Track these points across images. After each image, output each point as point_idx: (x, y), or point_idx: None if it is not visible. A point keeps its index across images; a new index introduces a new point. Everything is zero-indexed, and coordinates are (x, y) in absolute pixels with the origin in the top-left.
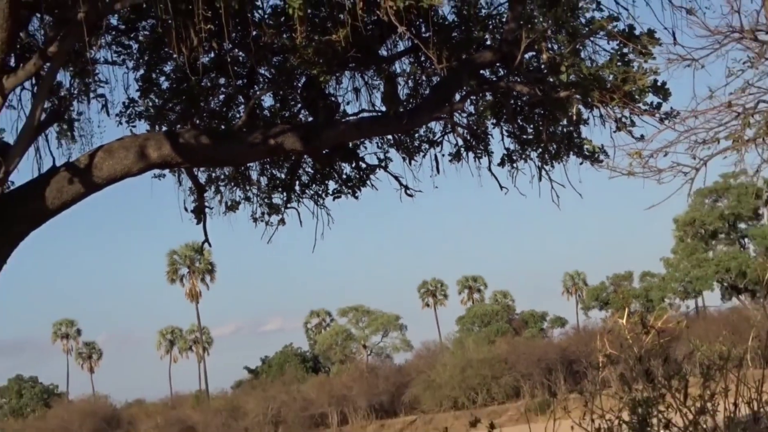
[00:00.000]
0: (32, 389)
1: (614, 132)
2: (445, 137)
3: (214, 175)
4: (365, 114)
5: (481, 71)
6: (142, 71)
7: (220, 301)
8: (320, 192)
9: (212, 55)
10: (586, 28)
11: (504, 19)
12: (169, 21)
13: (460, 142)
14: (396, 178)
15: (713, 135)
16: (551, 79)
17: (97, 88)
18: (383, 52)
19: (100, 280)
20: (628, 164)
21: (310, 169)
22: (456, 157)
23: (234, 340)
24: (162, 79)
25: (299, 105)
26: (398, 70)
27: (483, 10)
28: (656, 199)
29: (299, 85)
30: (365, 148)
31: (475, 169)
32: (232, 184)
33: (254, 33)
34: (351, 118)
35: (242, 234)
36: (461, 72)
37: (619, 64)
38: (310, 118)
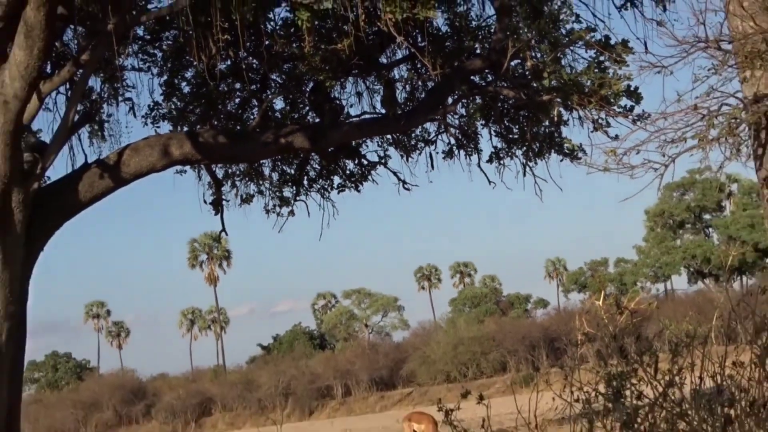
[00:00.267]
0: (66, 364)
1: (591, 132)
2: (439, 137)
3: (230, 170)
4: (367, 116)
5: (472, 77)
6: (165, 77)
7: (236, 285)
8: (326, 186)
9: (229, 62)
10: (566, 38)
11: (492, 30)
12: (190, 32)
13: (453, 141)
14: (395, 173)
15: (681, 135)
16: (535, 85)
17: (124, 93)
18: (383, 59)
19: (128, 265)
20: (604, 161)
21: (317, 166)
22: (449, 154)
23: (248, 319)
24: (183, 84)
25: (307, 108)
26: (397, 76)
27: (473, 22)
28: (629, 193)
29: (307, 89)
30: (367, 146)
31: (466, 166)
32: (247, 179)
33: (267, 43)
34: (354, 119)
35: (256, 224)
36: (453, 78)
37: (596, 70)
38: (317, 120)
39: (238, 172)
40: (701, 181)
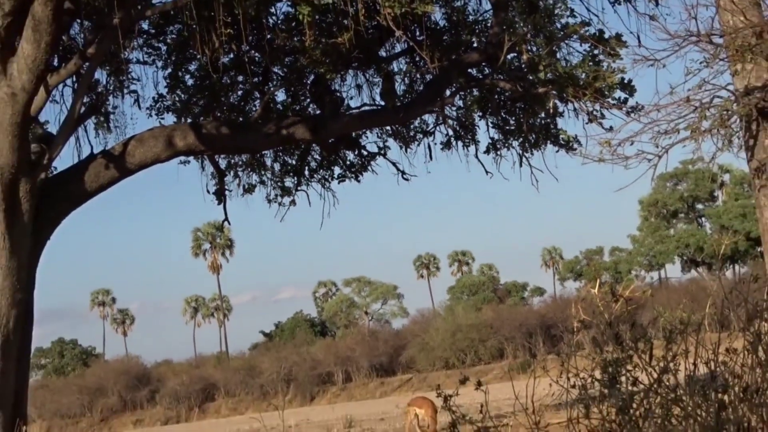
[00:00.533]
0: (72, 350)
1: (586, 124)
2: (437, 128)
3: (233, 161)
4: (366, 107)
5: (469, 70)
6: (169, 70)
7: (239, 273)
8: (327, 176)
9: (231, 55)
10: (562, 32)
11: (489, 24)
12: (194, 26)
13: (451, 133)
14: (394, 164)
15: (674, 126)
16: (531, 77)
17: (130, 85)
18: (382, 53)
19: (133, 254)
20: (598, 152)
21: (317, 156)
22: (447, 145)
23: (251, 307)
24: (187, 76)
25: (308, 100)
26: (395, 69)
27: (470, 16)
28: (623, 183)
29: (308, 82)
30: (366, 137)
31: (463, 156)
32: (249, 169)
33: (269, 36)
34: (354, 111)
35: (258, 213)
36: (451, 71)
37: (590, 64)
38: (318, 111)
39: (240, 163)
40: (694, 172)
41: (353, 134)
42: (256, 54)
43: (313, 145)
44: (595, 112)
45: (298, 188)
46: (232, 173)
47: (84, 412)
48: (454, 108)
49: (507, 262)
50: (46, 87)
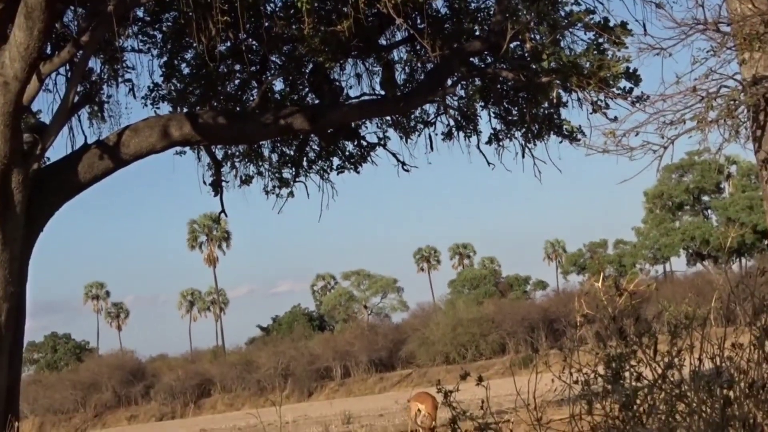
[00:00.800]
0: (66, 345)
1: (590, 114)
2: (438, 118)
3: (230, 151)
4: (366, 97)
5: (471, 59)
6: (165, 58)
7: (236, 266)
8: (326, 167)
9: (228, 44)
10: (566, 20)
11: (491, 12)
12: (190, 13)
13: (452, 123)
14: (394, 155)
15: (680, 117)
16: (534, 66)
17: (124, 74)
18: (382, 41)
19: (128, 247)
20: (603, 143)
21: (316, 147)
22: (448, 136)
23: (248, 300)
24: (183, 65)
25: (307, 89)
26: (396, 58)
27: (472, 4)
28: (628, 174)
29: (307, 71)
30: (366, 127)
31: (465, 147)
32: (246, 160)
33: (266, 24)
34: (353, 100)
35: (255, 205)
36: (453, 59)
37: (595, 52)
38: (317, 101)
39: (237, 153)
40: (700, 163)
41: (353, 124)
42: (254, 42)
43: (312, 135)
44: (599, 102)
45: (297, 179)
46: (229, 164)
47: (77, 408)
48: (455, 98)
49: (509, 255)
50: (39, 75)
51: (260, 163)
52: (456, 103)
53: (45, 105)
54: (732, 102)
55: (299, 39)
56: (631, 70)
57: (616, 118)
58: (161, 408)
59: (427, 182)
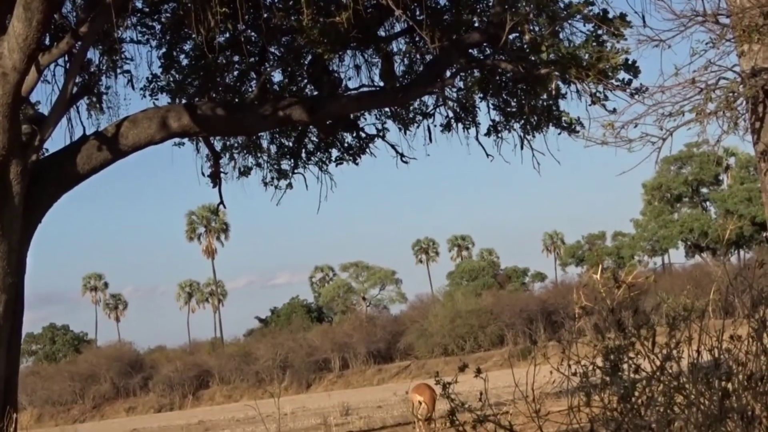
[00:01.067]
0: (64, 336)
1: (589, 105)
2: (437, 110)
3: (228, 143)
4: (365, 88)
5: (470, 50)
6: (164, 49)
7: (234, 258)
8: (324, 159)
9: (227, 35)
10: (565, 12)
11: (490, 4)
12: (189, 4)
13: (451, 114)
14: (392, 146)
15: (678, 108)
16: (533, 58)
17: (123, 65)
18: (381, 32)
19: (126, 238)
20: (601, 134)
21: (315, 138)
22: (447, 127)
23: (246, 292)
24: (182, 56)
25: (306, 80)
26: (395, 49)
27: None
28: (627, 166)
29: (306, 62)
30: (365, 119)
31: (463, 139)
32: (245, 151)
33: (265, 15)
34: (352, 92)
35: (254, 196)
36: (452, 51)
37: (594, 44)
38: (316, 92)
39: (236, 145)
40: (699, 155)
41: (351, 116)
42: (253, 33)
43: (311, 126)
44: (598, 94)
45: (295, 171)
46: (227, 155)
47: (76, 400)
48: (454, 89)
49: (507, 247)
50: (38, 66)
51: (259, 155)
52: (455, 94)
53: (43, 96)
54: (731, 94)
55: (298, 30)
56: (630, 62)
57: (614, 110)
58: (159, 399)
59: (425, 174)
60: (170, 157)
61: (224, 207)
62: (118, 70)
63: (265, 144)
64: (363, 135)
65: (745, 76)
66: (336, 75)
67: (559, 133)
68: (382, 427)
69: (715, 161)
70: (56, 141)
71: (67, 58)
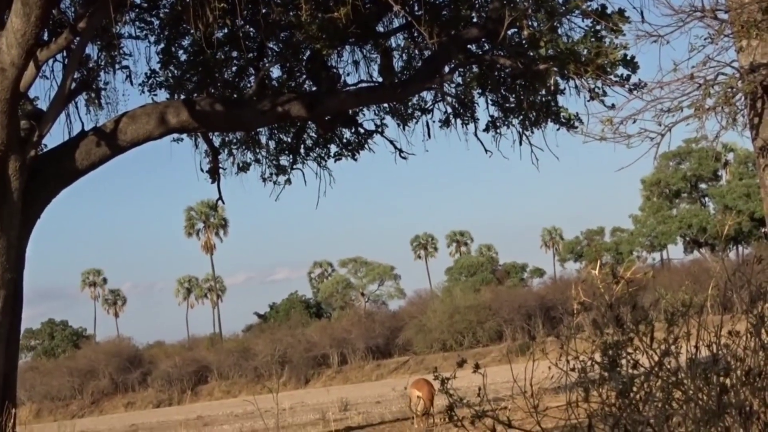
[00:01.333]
0: (63, 332)
1: (588, 101)
2: (436, 105)
3: (227, 138)
4: (364, 84)
5: (468, 46)
6: (162, 45)
7: (233, 253)
8: (323, 154)
9: (226, 30)
10: (563, 7)
11: None
12: (187, 0)
13: (449, 110)
14: (391, 142)
15: (677, 104)
16: (531, 53)
17: (121, 60)
18: (380, 28)
19: (125, 233)
20: (600, 130)
21: (313, 134)
22: (445, 123)
23: (245, 288)
24: (180, 52)
25: (304, 76)
26: (393, 45)
27: None
28: (625, 162)
29: (304, 58)
30: (363, 115)
31: (462, 134)
32: (244, 147)
33: (264, 11)
34: (351, 87)
35: (252, 192)
36: (450, 47)
37: (592, 39)
38: (314, 88)
39: (234, 140)
40: (697, 150)
41: (350, 111)
42: (251, 29)
43: (309, 122)
44: (596, 90)
45: (294, 167)
46: (226, 151)
47: (74, 395)
48: (453, 85)
49: (506, 243)
50: (36, 62)
51: (257, 151)
52: (453, 90)
53: (42, 92)
54: (729, 89)
55: (296, 26)
56: (628, 58)
57: (613, 106)
58: (158, 395)
59: (424, 169)
60: (169, 152)
61: (223, 202)
62: (117, 66)
63: (263, 140)
64: (362, 131)
65: (744, 71)
66: (334, 71)
67: (558, 129)
68: (380, 423)
69: (714, 157)
70: (55, 137)
71: (65, 54)
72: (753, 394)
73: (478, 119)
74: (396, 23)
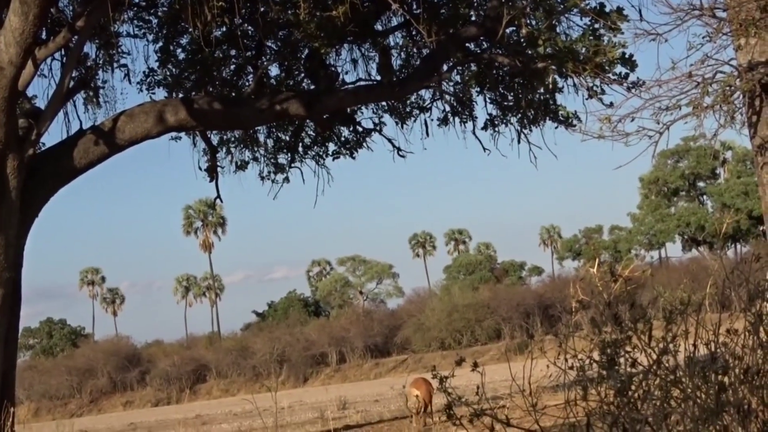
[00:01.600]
0: (61, 331)
1: (586, 99)
2: (434, 104)
3: (225, 137)
4: (362, 82)
5: (467, 44)
6: (160, 43)
7: (231, 252)
8: (321, 153)
9: (224, 29)
10: (562, 6)
11: None
12: None
13: (448, 108)
14: (389, 140)
15: (675, 102)
16: (530, 52)
17: (120, 59)
18: (378, 27)
19: (123, 232)
20: (598, 128)
21: (312, 133)
22: (444, 121)
23: (243, 286)
24: (179, 50)
25: (302, 74)
26: (392, 43)
27: None
28: (624, 160)
29: (303, 56)
30: (362, 113)
31: (460, 133)
32: (242, 145)
33: (262, 9)
34: (349, 86)
35: (251, 191)
36: (449, 45)
37: (591, 38)
38: (313, 87)
39: (233, 139)
40: (695, 149)
41: (348, 110)
42: (249, 27)
43: (307, 121)
44: (595, 88)
45: (292, 165)
46: (224, 149)
47: (73, 394)
48: (451, 83)
49: (505, 241)
50: (34, 61)
51: (256, 149)
52: (452, 88)
53: (40, 90)
54: (728, 88)
55: (295, 24)
56: (626, 56)
57: (611, 104)
58: (157, 394)
59: (422, 168)
60: (167, 151)
61: (221, 201)
62: (115, 64)
63: (261, 138)
64: (360, 129)
65: (742, 69)
66: (333, 69)
67: (556, 127)
68: (379, 421)
69: (712, 155)
70: (53, 135)
71: (63, 52)
72: (751, 393)
73: (476, 117)
74: (394, 22)
